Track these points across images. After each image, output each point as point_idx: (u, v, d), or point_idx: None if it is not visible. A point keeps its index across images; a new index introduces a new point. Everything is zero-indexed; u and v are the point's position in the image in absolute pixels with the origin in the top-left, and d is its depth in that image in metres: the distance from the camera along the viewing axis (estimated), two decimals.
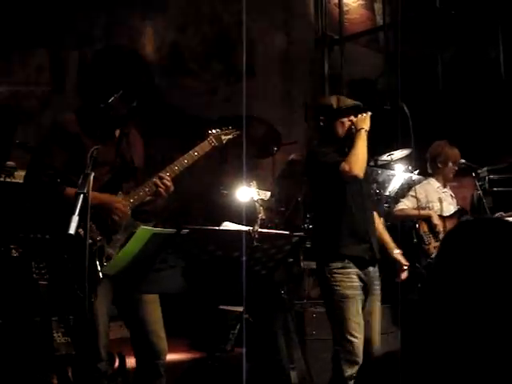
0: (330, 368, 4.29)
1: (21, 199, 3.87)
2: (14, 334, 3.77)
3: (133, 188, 2.97)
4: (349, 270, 3.35)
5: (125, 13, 6.32)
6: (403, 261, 3.67)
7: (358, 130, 3.43)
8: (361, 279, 3.40)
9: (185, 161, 3.00)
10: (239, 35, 7.03)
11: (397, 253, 3.67)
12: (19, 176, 4.03)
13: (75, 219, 2.19)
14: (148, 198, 2.97)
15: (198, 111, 6.73)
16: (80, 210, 2.23)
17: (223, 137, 3.21)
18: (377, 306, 3.52)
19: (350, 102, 3.57)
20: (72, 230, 2.16)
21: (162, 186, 2.91)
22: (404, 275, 3.69)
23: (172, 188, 2.95)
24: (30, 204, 3.33)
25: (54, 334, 3.93)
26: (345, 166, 3.29)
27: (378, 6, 8.35)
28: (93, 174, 2.39)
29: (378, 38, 8.40)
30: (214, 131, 3.20)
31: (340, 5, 8.11)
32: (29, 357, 3.74)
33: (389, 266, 5.58)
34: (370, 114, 3.48)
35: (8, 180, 3.98)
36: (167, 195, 2.95)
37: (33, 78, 5.53)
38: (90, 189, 2.34)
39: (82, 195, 2.28)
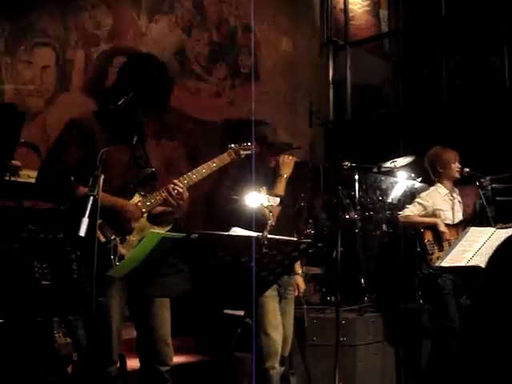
0: (330, 373, 4.31)
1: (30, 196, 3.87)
2: (15, 333, 3.76)
3: (152, 191, 2.99)
4: None
5: (130, 13, 6.32)
6: (301, 284, 3.94)
7: (280, 175, 3.63)
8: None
9: (203, 170, 3.07)
10: (244, 39, 7.04)
11: (297, 276, 3.91)
12: (24, 175, 4.02)
13: (85, 221, 2.19)
14: (162, 207, 2.99)
15: (202, 114, 6.73)
16: (90, 212, 2.23)
17: (242, 152, 3.35)
18: (289, 309, 3.80)
19: (279, 143, 3.76)
20: (82, 233, 2.16)
21: (173, 192, 2.92)
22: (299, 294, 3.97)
23: (186, 195, 2.96)
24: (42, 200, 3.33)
25: (55, 335, 3.91)
26: None
27: (383, 13, 8.37)
28: (102, 176, 2.39)
29: (383, 45, 8.42)
30: (233, 146, 3.33)
31: (345, 11, 8.14)
32: (29, 357, 3.73)
33: (385, 275, 5.58)
34: (294, 159, 3.67)
35: (13, 179, 3.96)
36: (181, 204, 2.96)
37: (38, 76, 5.53)
38: (100, 190, 2.34)
39: (91, 197, 2.29)
